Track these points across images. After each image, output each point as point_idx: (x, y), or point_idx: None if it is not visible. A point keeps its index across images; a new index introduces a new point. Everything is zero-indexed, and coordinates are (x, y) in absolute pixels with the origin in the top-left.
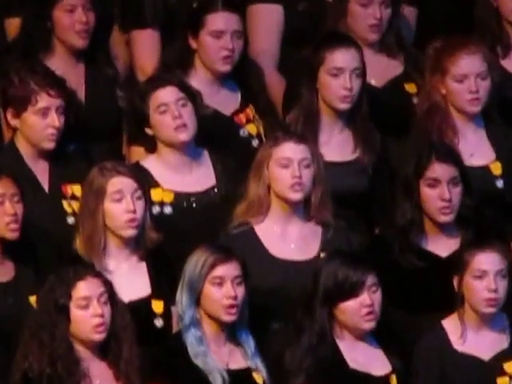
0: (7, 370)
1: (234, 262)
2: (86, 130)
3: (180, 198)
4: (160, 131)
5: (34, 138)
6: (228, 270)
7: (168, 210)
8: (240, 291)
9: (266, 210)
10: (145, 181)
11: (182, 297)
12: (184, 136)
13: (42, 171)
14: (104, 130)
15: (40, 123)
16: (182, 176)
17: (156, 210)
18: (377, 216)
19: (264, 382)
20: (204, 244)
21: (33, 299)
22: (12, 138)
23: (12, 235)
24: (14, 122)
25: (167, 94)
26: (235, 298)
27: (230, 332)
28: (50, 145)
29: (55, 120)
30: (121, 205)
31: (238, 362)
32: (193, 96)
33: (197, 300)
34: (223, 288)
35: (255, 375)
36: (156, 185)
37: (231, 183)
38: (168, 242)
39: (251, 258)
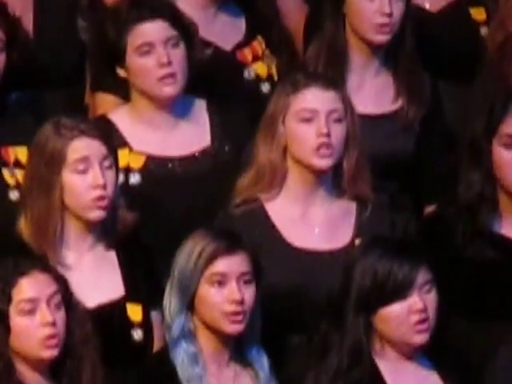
0: None
1: (241, 254)
2: (35, 72)
3: (153, 164)
4: (138, 78)
5: None
6: (232, 264)
7: (135, 178)
8: (249, 293)
9: (280, 181)
10: (113, 141)
11: (171, 300)
12: (170, 90)
13: None
14: (59, 72)
15: None
16: (161, 135)
17: (120, 179)
18: (429, 190)
19: None
20: (201, 229)
21: None
22: None
23: None
24: None
25: (154, 31)
26: (241, 302)
27: (236, 348)
28: None
29: None
30: (86, 177)
31: None
32: (187, 33)
33: (190, 304)
34: (225, 288)
35: None
36: (123, 144)
37: (234, 145)
38: (138, 224)
39: (261, 247)
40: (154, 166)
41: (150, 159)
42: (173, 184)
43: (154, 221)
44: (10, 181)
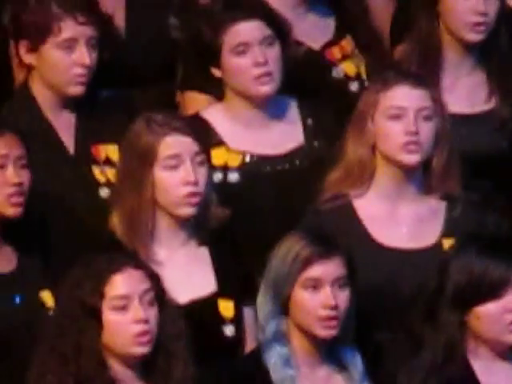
0: None
1: (337, 258)
2: (127, 70)
3: (251, 162)
4: (234, 78)
5: (55, 80)
6: (327, 269)
7: (234, 177)
8: (343, 297)
9: (368, 178)
10: (206, 139)
11: (265, 302)
12: (267, 89)
13: (65, 126)
14: (150, 70)
15: (63, 60)
16: (256, 133)
17: (218, 177)
18: None
19: None
20: (297, 230)
21: (46, 295)
22: (25, 80)
23: (14, 211)
24: (28, 59)
25: (250, 31)
26: (335, 307)
27: (329, 349)
28: (76, 90)
29: (84, 56)
30: (177, 173)
31: None
32: (281, 32)
33: (284, 307)
34: (320, 293)
35: None
36: (219, 143)
37: (326, 143)
38: (233, 222)
39: (348, 245)
40: (252, 165)
41: (248, 157)
42: (269, 182)
43: (251, 218)
44: (101, 178)
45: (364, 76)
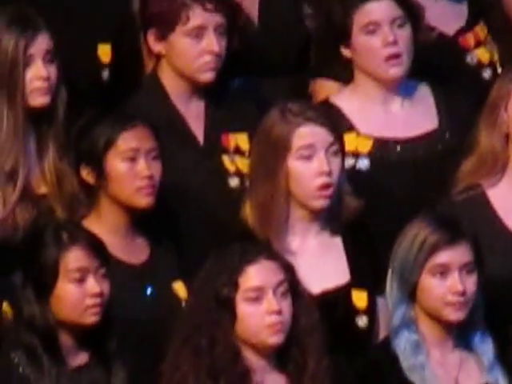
0: None
1: (464, 244)
2: (258, 58)
3: (382, 147)
4: (364, 58)
5: (184, 68)
6: (455, 255)
7: (364, 163)
8: (471, 283)
9: (502, 167)
10: (340, 128)
11: (392, 289)
12: (396, 71)
13: (194, 115)
14: (283, 58)
15: (193, 47)
16: (387, 116)
17: (348, 163)
18: None
19: None
20: (423, 216)
21: (178, 287)
22: (154, 69)
23: (146, 202)
24: (157, 47)
25: (381, 10)
26: (464, 292)
27: (459, 335)
28: (206, 77)
29: (213, 43)
30: (311, 164)
31: (471, 376)
32: (413, 14)
33: (411, 294)
34: (448, 279)
35: None
36: (350, 128)
37: (460, 130)
38: (364, 210)
39: (482, 235)
40: (383, 150)
41: (378, 142)
42: (400, 167)
43: (382, 205)
44: (230, 167)
45: (497, 64)
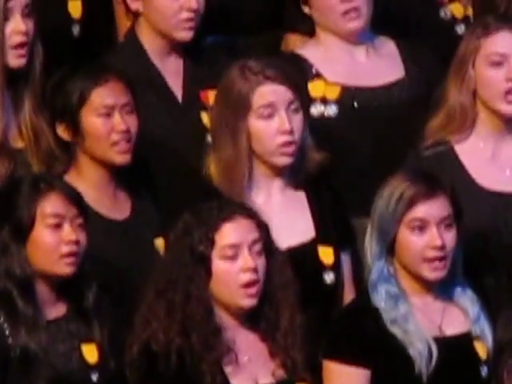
0: (121, 341)
1: (441, 197)
2: (234, 15)
3: (349, 95)
4: (322, 14)
5: (162, 25)
6: (433, 209)
7: (332, 110)
8: (450, 237)
9: (470, 123)
10: (302, 86)
11: (371, 243)
12: (355, 24)
13: (173, 72)
14: (258, 15)
15: (171, 4)
16: (352, 66)
17: (317, 109)
18: None
19: (488, 354)
20: (403, 170)
21: (159, 243)
22: (132, 27)
23: (122, 159)
24: (134, 5)
25: None
26: (443, 247)
27: (441, 287)
28: (185, 34)
29: None
30: (272, 122)
31: (454, 323)
32: None
33: (390, 248)
34: (426, 234)
35: (477, 344)
36: (317, 76)
37: (427, 81)
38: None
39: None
40: (350, 97)
41: (346, 90)
42: (367, 116)
43: (349, 152)
44: (209, 124)
45: (471, 19)
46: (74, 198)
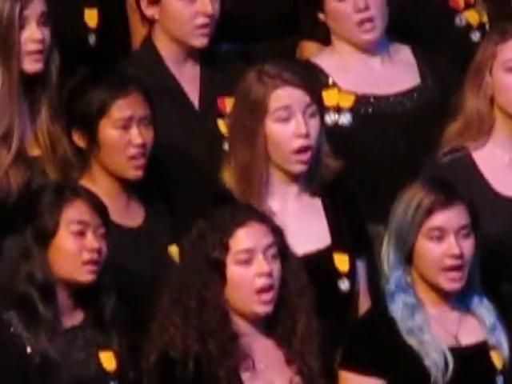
0: (138, 348)
1: (459, 206)
2: (250, 22)
3: (363, 103)
4: (337, 23)
5: (178, 31)
6: (450, 217)
7: (346, 118)
8: (468, 246)
9: (487, 130)
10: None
11: (389, 252)
12: (370, 36)
13: (190, 79)
14: (274, 23)
15: (186, 10)
16: (367, 73)
17: (330, 118)
18: None
19: (504, 364)
20: (420, 178)
21: (173, 250)
22: (148, 35)
23: (135, 175)
24: (149, 12)
25: None
26: (461, 256)
27: (458, 297)
28: (200, 41)
29: (207, 4)
30: (288, 126)
31: (471, 333)
32: None
33: (408, 258)
34: (444, 243)
35: (493, 354)
36: (331, 85)
37: (443, 89)
38: (346, 167)
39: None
40: (365, 105)
41: (360, 98)
42: (382, 124)
43: (364, 160)
44: (226, 131)
45: (486, 26)
46: (99, 208)
